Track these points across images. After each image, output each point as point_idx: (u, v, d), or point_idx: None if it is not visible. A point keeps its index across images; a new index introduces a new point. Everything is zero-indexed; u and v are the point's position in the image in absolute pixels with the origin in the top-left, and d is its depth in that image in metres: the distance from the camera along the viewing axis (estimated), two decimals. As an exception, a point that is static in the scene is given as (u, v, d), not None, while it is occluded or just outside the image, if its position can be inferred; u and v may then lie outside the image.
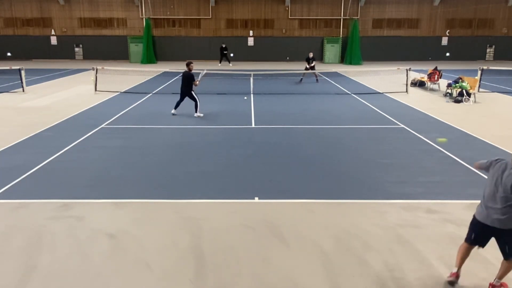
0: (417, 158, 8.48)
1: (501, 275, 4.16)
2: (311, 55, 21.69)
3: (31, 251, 4.87)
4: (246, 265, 4.62)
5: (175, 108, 12.90)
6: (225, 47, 31.50)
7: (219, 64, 30.45)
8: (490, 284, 4.23)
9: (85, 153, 8.77)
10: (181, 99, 12.83)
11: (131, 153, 8.80)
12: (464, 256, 4.28)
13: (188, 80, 12.50)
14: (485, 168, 4.27)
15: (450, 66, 30.87)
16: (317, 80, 21.83)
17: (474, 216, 4.20)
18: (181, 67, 13.49)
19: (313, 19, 35.49)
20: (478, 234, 4.16)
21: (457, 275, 4.26)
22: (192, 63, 12.77)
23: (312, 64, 21.75)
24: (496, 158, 4.17)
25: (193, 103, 12.62)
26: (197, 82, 12.65)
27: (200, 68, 23.13)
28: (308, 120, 12.06)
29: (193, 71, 12.59)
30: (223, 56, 31.85)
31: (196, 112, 12.60)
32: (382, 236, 5.24)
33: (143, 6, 34.76)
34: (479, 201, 4.23)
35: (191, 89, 12.58)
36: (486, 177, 4.31)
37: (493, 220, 3.93)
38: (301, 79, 21.76)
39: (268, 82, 21.46)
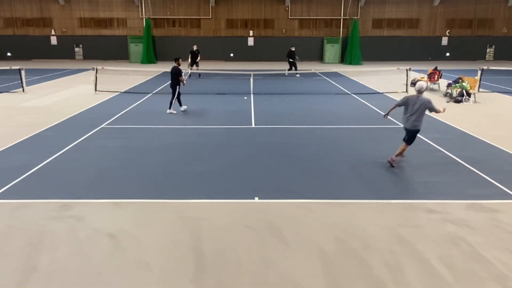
0: (417, 158, 8.48)
1: (400, 153, 7.90)
2: (195, 47, 21.65)
3: (31, 251, 4.87)
4: (246, 265, 4.62)
5: (180, 105, 13.26)
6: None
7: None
8: (390, 159, 7.80)
9: (85, 153, 8.78)
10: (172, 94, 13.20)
11: (131, 153, 8.80)
12: (403, 149, 7.91)
13: (173, 75, 12.87)
14: (401, 105, 7.88)
15: (450, 66, 30.87)
16: (199, 75, 22.42)
17: (404, 126, 7.84)
18: (181, 67, 13.49)
19: (313, 19, 35.49)
20: (406, 134, 7.83)
21: (393, 160, 7.78)
22: (179, 58, 13.23)
23: (197, 60, 21.86)
24: (404, 97, 7.86)
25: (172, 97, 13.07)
26: (183, 83, 12.98)
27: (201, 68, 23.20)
28: (308, 120, 12.06)
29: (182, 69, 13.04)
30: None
31: (169, 108, 13.04)
32: (382, 236, 5.24)
33: (143, 6, 34.76)
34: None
35: (177, 84, 12.91)
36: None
37: (411, 125, 7.64)
38: (199, 75, 22.53)
39: (268, 82, 21.47)
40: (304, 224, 5.58)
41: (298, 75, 23.89)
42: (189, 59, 22.55)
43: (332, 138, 10.10)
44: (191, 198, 6.46)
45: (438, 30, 36.00)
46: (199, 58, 22.58)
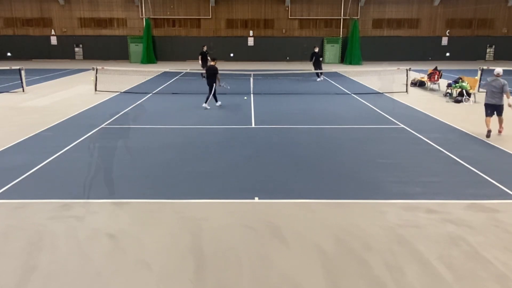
0: (417, 158, 8.48)
1: (501, 124, 10.20)
2: (205, 48, 22.30)
3: (31, 251, 4.87)
4: (246, 265, 4.62)
5: (216, 100, 13.98)
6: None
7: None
8: (499, 131, 10.16)
9: (85, 153, 8.77)
10: (209, 91, 13.79)
11: (131, 153, 8.79)
12: (489, 122, 9.93)
13: (211, 73, 13.67)
14: (484, 86, 10.26)
15: (450, 66, 30.87)
16: (202, 75, 21.83)
17: (485, 103, 10.12)
18: (181, 67, 13.55)
19: (313, 19, 35.50)
20: (489, 110, 10.00)
21: (489, 130, 9.83)
22: (215, 58, 14.32)
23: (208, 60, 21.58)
24: (486, 81, 10.20)
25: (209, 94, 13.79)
26: (219, 82, 13.88)
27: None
28: (308, 120, 12.06)
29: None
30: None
31: (205, 102, 13.77)
32: (382, 236, 5.24)
33: (143, 6, 34.77)
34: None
35: (214, 82, 13.62)
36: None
37: (494, 102, 9.95)
38: (202, 74, 21.39)
39: (268, 82, 21.46)
40: (304, 224, 5.58)
41: (317, 78, 22.44)
42: (200, 60, 22.49)
43: (332, 138, 10.10)
44: (191, 198, 6.46)
45: (438, 30, 36.01)
46: (209, 58, 22.28)
